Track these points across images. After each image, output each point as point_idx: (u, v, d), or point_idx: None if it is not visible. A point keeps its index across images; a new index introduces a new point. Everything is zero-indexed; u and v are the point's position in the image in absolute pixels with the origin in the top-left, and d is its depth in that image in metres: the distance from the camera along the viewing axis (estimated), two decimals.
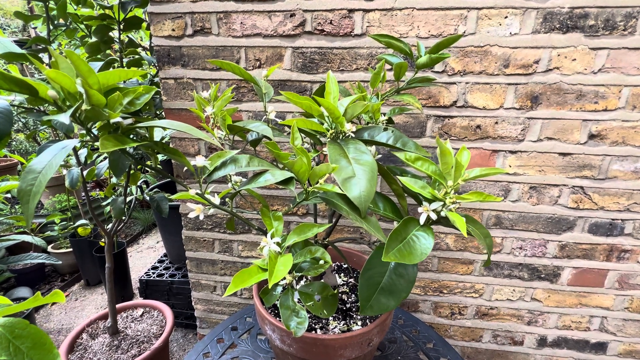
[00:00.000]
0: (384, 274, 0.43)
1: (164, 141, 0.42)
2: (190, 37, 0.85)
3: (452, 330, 1.03)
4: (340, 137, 0.45)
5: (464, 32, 0.77)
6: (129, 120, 0.35)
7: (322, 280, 0.56)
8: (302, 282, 0.65)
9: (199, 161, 0.41)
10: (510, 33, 0.76)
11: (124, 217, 1.05)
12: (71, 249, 1.98)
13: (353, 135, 0.43)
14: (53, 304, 1.91)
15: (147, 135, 0.39)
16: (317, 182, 0.38)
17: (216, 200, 0.50)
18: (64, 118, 0.26)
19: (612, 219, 0.86)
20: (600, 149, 0.81)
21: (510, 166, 0.86)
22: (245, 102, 0.89)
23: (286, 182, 0.39)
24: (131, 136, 0.37)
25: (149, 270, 1.82)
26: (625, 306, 0.93)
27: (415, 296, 1.01)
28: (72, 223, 1.95)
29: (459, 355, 0.76)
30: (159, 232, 2.11)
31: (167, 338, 1.11)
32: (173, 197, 0.47)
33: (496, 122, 0.83)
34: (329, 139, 0.42)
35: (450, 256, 0.96)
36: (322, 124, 0.46)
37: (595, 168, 0.83)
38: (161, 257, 1.81)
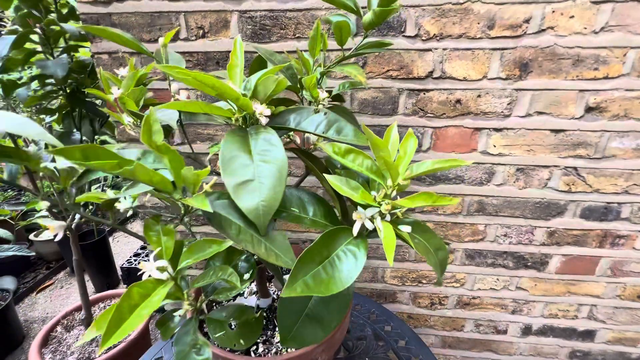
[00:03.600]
0: (309, 297, 0.35)
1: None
2: (119, 1, 0.72)
3: (433, 320, 0.98)
4: (257, 124, 0.35)
5: None
6: None
7: (239, 302, 0.48)
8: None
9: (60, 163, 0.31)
10: None
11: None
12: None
13: (264, 122, 0.33)
14: (38, 292, 1.88)
15: None
16: (201, 190, 0.28)
17: (128, 202, 0.41)
18: None
19: (608, 203, 0.77)
20: (598, 124, 0.71)
21: (494, 146, 0.75)
22: None
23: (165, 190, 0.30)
24: None
25: (130, 257, 1.77)
26: (617, 294, 0.86)
27: (392, 287, 0.95)
28: None
29: (433, 355, 0.70)
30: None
31: (145, 327, 1.07)
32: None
33: (479, 96, 0.71)
34: (232, 128, 0.32)
35: None
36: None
37: (592, 146, 0.72)
38: (144, 244, 1.76)
